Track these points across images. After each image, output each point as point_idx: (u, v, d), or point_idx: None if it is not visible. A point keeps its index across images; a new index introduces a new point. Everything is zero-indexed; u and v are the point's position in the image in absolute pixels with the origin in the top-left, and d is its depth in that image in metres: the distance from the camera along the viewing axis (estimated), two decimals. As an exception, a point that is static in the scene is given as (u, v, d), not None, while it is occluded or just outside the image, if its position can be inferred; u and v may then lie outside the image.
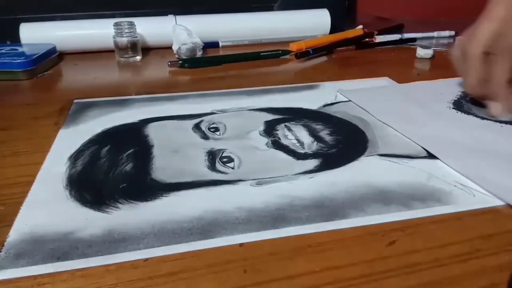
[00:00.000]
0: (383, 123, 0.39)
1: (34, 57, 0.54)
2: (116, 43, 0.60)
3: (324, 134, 0.37)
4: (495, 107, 0.40)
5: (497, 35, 0.38)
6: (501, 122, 0.39)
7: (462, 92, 0.46)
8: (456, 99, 0.45)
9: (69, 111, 0.42)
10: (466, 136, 0.36)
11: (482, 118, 0.40)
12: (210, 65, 0.58)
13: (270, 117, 0.40)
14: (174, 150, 0.34)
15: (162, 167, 0.32)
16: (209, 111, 0.42)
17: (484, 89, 0.40)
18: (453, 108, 0.42)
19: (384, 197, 0.28)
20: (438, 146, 0.34)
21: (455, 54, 0.42)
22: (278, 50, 0.62)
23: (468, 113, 0.41)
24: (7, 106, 0.45)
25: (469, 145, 0.34)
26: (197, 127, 0.38)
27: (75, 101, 0.45)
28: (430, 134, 0.36)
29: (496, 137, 0.36)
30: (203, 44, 0.62)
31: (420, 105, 0.43)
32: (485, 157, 0.33)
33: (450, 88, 0.48)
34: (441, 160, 0.32)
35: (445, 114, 0.41)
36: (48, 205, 0.27)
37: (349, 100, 0.44)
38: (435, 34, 0.74)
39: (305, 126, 0.38)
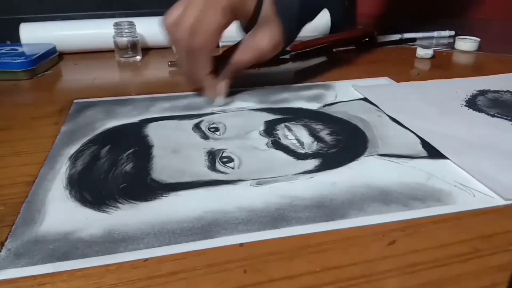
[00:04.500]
0: (395, 119, 0.39)
1: (34, 57, 0.54)
2: (116, 43, 0.60)
3: (324, 134, 0.37)
4: (206, 95, 0.44)
5: (194, 29, 0.39)
6: (511, 120, 0.39)
7: (477, 90, 0.46)
8: (470, 97, 0.45)
9: (69, 111, 0.42)
10: (474, 134, 0.36)
11: (493, 115, 0.40)
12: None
13: (270, 117, 0.40)
14: (174, 150, 0.34)
15: (162, 167, 0.32)
16: (209, 111, 0.42)
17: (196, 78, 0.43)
18: (465, 106, 0.42)
19: (384, 197, 0.28)
20: (444, 143, 0.34)
21: (167, 29, 0.41)
22: (278, 50, 0.62)
23: (480, 111, 0.41)
24: (7, 106, 0.45)
25: (475, 142, 0.35)
26: (197, 127, 0.38)
27: (75, 101, 0.45)
28: (439, 131, 0.37)
29: (504, 135, 0.36)
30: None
31: (432, 102, 0.43)
32: (491, 154, 0.33)
33: (465, 86, 0.48)
34: (447, 157, 0.33)
35: (457, 112, 0.41)
36: (48, 205, 0.27)
37: (349, 100, 0.45)
38: (435, 34, 0.74)
39: (305, 126, 0.38)
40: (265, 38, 0.43)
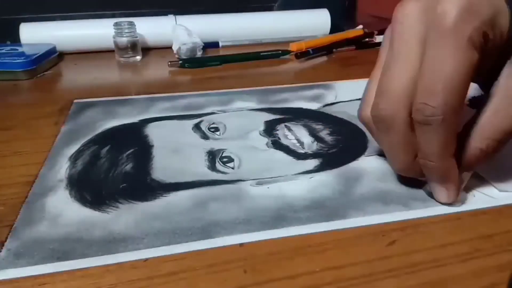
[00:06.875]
0: None
1: (34, 57, 0.54)
2: (116, 43, 0.60)
3: (324, 134, 0.37)
4: (441, 193, 0.27)
5: (414, 85, 0.24)
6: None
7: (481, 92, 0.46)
8: (473, 96, 0.45)
9: (69, 111, 0.42)
10: None
11: None
12: (210, 65, 0.58)
13: (270, 117, 0.40)
14: (174, 150, 0.34)
15: (162, 167, 0.32)
16: (209, 111, 0.42)
17: (419, 168, 0.27)
18: (468, 106, 0.43)
19: (384, 197, 0.28)
20: None
21: (365, 119, 0.28)
22: (278, 50, 0.62)
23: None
24: (7, 106, 0.45)
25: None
26: (197, 127, 0.38)
27: (75, 101, 0.45)
28: None
29: None
30: (203, 44, 0.62)
31: None
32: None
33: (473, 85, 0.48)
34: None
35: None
36: (48, 205, 0.27)
37: (349, 100, 0.45)
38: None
39: (305, 126, 0.38)
40: None
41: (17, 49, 0.58)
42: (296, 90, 0.48)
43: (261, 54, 0.61)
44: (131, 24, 0.60)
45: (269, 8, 0.83)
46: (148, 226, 0.25)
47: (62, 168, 0.31)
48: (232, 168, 0.31)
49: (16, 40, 0.63)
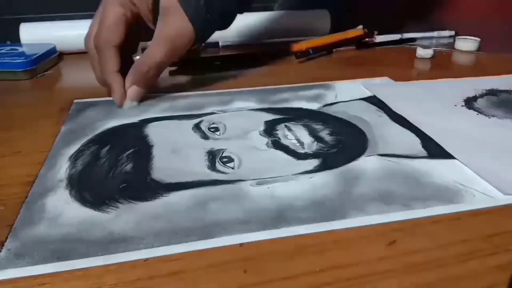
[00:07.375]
0: (395, 119, 0.39)
1: (34, 57, 0.54)
2: (116, 43, 0.60)
3: (324, 134, 0.37)
4: (113, 96, 0.42)
5: (98, 28, 0.42)
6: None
7: (487, 90, 0.46)
8: (479, 96, 0.45)
9: (69, 111, 0.42)
10: (482, 133, 0.36)
11: (502, 115, 0.40)
12: (210, 65, 0.58)
13: (270, 117, 0.40)
14: (174, 150, 0.34)
15: (162, 167, 0.32)
16: (209, 111, 0.42)
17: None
18: (475, 105, 0.43)
19: (384, 197, 0.28)
20: (452, 141, 0.35)
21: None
22: (278, 50, 0.62)
23: (490, 109, 0.42)
24: (7, 106, 0.45)
25: (483, 141, 0.35)
26: (197, 127, 0.38)
27: (75, 101, 0.45)
28: (450, 129, 0.37)
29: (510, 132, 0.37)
30: (203, 44, 0.62)
31: (443, 101, 0.44)
32: (495, 152, 0.33)
33: (474, 85, 0.48)
34: (453, 155, 0.33)
35: (467, 112, 0.41)
36: (48, 205, 0.27)
37: (349, 100, 0.45)
38: (435, 34, 0.74)
39: (305, 126, 0.38)
40: (171, 28, 0.41)
41: (17, 49, 0.58)
42: (296, 90, 0.48)
43: (261, 54, 0.61)
44: (131, 24, 0.59)
45: (269, 8, 0.83)
46: (148, 226, 0.25)
47: (62, 168, 0.31)
48: (232, 168, 0.31)
49: (16, 40, 0.63)
